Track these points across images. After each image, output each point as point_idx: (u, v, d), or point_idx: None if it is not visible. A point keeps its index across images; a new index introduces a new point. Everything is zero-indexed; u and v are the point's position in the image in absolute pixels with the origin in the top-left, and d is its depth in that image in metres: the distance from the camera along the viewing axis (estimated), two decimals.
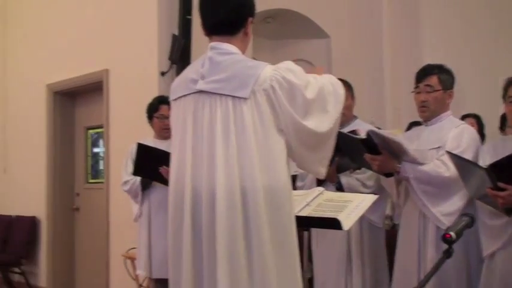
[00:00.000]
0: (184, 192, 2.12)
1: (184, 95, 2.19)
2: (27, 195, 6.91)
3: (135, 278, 4.83)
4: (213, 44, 2.19)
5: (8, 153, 7.33)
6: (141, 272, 4.13)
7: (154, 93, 4.65)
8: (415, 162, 2.94)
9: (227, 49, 2.16)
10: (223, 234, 2.01)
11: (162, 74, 4.98)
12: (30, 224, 6.71)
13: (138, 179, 4.03)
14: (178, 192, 2.16)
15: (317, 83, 2.14)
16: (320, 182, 3.41)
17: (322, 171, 2.27)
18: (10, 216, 7.14)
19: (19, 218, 6.96)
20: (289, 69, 2.10)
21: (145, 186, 4.03)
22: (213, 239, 2.03)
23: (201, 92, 2.13)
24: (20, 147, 7.08)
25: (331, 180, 3.49)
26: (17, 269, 6.72)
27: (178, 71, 4.45)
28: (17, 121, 7.20)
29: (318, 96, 2.12)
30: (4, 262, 6.67)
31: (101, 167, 6.28)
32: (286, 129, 2.09)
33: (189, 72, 2.26)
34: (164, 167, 3.53)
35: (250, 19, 2.22)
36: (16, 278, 6.87)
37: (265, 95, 2.06)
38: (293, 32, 6.41)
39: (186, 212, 2.11)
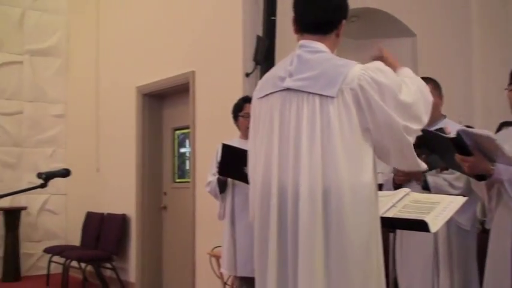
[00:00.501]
0: (270, 191, 2.13)
1: (271, 93, 2.20)
2: (118, 194, 7.20)
3: (220, 276, 4.91)
4: (303, 42, 2.19)
5: (100, 154, 7.66)
6: (225, 271, 4.19)
7: (239, 94, 4.71)
8: (510, 163, 2.79)
9: (317, 47, 2.15)
10: (304, 233, 2.01)
11: (247, 75, 5.05)
12: (121, 221, 6.97)
13: (215, 181, 4.10)
14: (265, 191, 2.16)
15: (412, 87, 2.09)
16: (397, 186, 3.33)
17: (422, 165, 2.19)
18: (102, 214, 7.46)
19: (110, 216, 7.25)
20: (378, 69, 2.07)
21: (222, 189, 4.09)
22: (296, 238, 2.03)
23: (288, 89, 2.14)
24: (112, 149, 7.38)
25: (417, 179, 3.40)
26: (108, 265, 7.00)
27: (263, 72, 4.48)
28: (108, 123, 7.51)
29: (414, 102, 2.07)
30: (97, 258, 6.96)
31: (187, 166, 6.43)
32: (375, 127, 2.05)
33: (277, 69, 2.27)
34: None
35: (343, 21, 2.21)
36: (108, 273, 7.16)
37: (352, 94, 2.04)
38: (378, 31, 6.31)
39: (272, 211, 2.11)
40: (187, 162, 6.42)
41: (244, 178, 3.79)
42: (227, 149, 3.92)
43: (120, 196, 7.11)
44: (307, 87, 2.09)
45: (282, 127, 2.13)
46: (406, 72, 2.25)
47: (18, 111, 8.26)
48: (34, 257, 8.23)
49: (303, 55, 2.15)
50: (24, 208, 8.02)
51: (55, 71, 8.59)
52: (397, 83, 2.06)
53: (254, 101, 2.34)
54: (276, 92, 2.18)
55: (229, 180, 4.06)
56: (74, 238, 8.02)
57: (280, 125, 2.14)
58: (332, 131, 2.03)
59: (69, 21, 8.68)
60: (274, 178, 2.12)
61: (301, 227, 2.02)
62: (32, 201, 8.21)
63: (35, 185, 2.76)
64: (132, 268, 6.84)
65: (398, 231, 3.47)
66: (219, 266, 4.79)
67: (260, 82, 2.34)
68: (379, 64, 2.11)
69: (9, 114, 8.18)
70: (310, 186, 2.02)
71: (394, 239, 3.26)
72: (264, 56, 4.92)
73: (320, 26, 2.18)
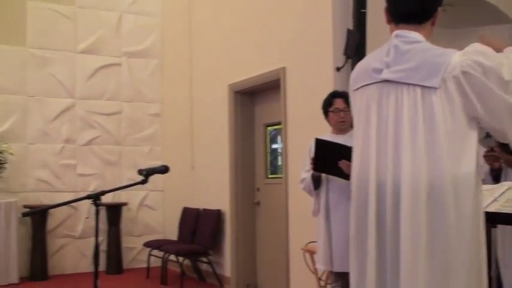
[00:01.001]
0: (368, 185, 2.09)
1: (367, 84, 2.16)
2: (212, 190, 7.36)
3: (314, 272, 4.92)
4: (399, 32, 2.14)
5: (195, 151, 7.87)
6: (320, 266, 4.18)
7: (330, 89, 4.68)
8: None
9: (414, 37, 2.10)
10: (406, 227, 1.96)
11: (337, 69, 5.01)
12: (216, 216, 7.13)
13: (309, 177, 4.09)
14: (362, 185, 2.12)
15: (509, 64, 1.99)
16: (496, 176, 3.18)
17: None
18: (198, 209, 7.67)
19: (206, 211, 7.44)
20: (478, 52, 1.99)
21: (316, 185, 4.08)
22: (397, 232, 1.98)
23: (385, 81, 2.09)
24: (206, 146, 7.57)
25: None
26: (204, 259, 7.19)
27: (353, 66, 4.44)
28: (202, 121, 7.70)
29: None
30: (193, 252, 7.17)
31: (279, 162, 6.48)
32: (487, 112, 1.97)
33: (371, 60, 2.22)
34: (343, 160, 3.53)
35: (439, 9, 2.16)
36: (204, 267, 7.35)
37: (456, 83, 1.97)
38: (472, 19, 6.06)
39: (371, 205, 2.07)
40: (279, 158, 6.47)
41: (339, 173, 3.77)
42: (320, 143, 3.91)
43: (215, 192, 7.27)
44: (407, 78, 2.04)
45: (380, 119, 2.08)
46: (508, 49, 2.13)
47: (118, 111, 8.65)
48: (135, 251, 8.61)
49: (400, 45, 2.10)
50: (125, 204, 8.39)
51: (151, 71, 8.92)
52: (498, 62, 1.98)
53: (350, 92, 2.31)
54: (372, 83, 2.13)
55: (323, 175, 4.05)
56: (171, 233, 8.30)
57: (378, 117, 2.09)
58: (436, 123, 1.97)
59: (163, 23, 8.98)
60: (372, 172, 2.07)
61: (403, 225, 1.97)
62: (132, 197, 8.58)
63: (136, 181, 2.88)
64: (227, 262, 6.98)
65: (499, 227, 3.34)
66: (313, 261, 4.80)
67: (353, 73, 2.29)
68: (477, 46, 2.03)
69: (109, 114, 8.59)
70: (414, 181, 1.96)
71: (496, 234, 3.13)
72: (355, 50, 4.86)
73: (417, 16, 2.12)
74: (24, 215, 3.18)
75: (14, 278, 7.33)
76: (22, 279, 7.50)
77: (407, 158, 1.99)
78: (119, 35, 8.71)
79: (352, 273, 2.20)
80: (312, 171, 4.04)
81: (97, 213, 2.82)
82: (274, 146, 6.72)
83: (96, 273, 2.79)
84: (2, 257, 7.23)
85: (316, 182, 4.07)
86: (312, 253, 4.81)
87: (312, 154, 3.97)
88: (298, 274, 5.57)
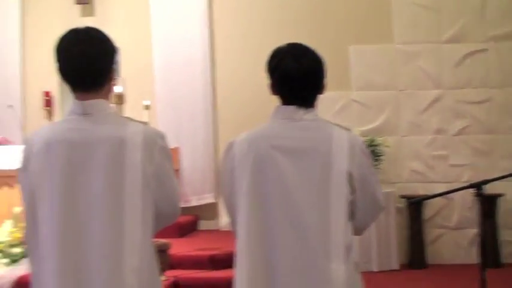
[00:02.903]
0: None
1: None
2: None
3: None
4: None
5: None
6: None
7: None
8: None
9: None
10: None
11: None
12: None
13: None
14: None
15: None
16: None
17: None
18: None
19: None
20: None
21: None
22: None
23: None
24: None
25: None
26: None
27: None
28: None
29: None
30: None
31: None
32: None
33: None
34: None
35: None
36: None
37: None
38: None
39: None
40: None
41: None
42: None
43: None
44: None
45: None
46: None
47: (487, 99, 8.33)
48: None
49: None
50: (502, 195, 8.01)
51: None
52: None
53: None
54: None
55: None
56: None
57: None
58: None
59: None
60: None
61: None
62: (509, 188, 8.12)
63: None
64: None
65: None
66: None
67: None
68: None
69: (478, 103, 8.33)
70: None
71: None
72: None
73: None
74: (410, 204, 3.34)
75: (395, 265, 7.74)
76: (402, 266, 7.84)
77: None
78: (484, 19, 8.38)
79: None
80: None
81: (481, 203, 2.77)
82: None
83: (482, 265, 2.76)
84: (383, 244, 7.69)
85: None
86: None
87: None
88: None
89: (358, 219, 2.47)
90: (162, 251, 4.88)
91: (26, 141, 2.41)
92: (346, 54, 8.46)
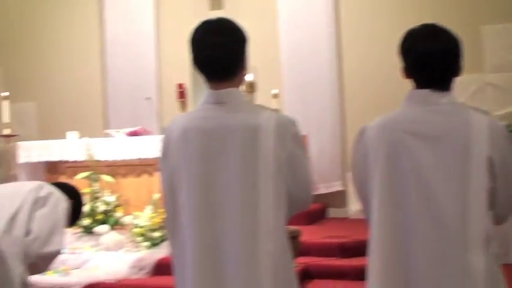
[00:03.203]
0: None
1: None
2: None
3: None
4: None
5: None
6: None
7: None
8: None
9: None
10: None
11: None
12: None
13: None
14: None
15: None
16: None
17: None
18: None
19: None
20: None
21: None
22: None
23: None
24: None
25: None
26: None
27: None
28: None
29: None
30: None
31: None
32: None
33: None
34: None
35: None
36: None
37: None
38: None
39: None
40: None
41: None
42: None
43: None
44: None
45: None
46: None
47: None
48: None
49: None
50: None
51: None
52: None
53: None
54: None
55: None
56: None
57: None
58: None
59: None
60: None
61: None
62: None
63: None
64: None
65: None
66: None
67: None
68: None
69: None
70: None
71: None
72: None
73: None
74: None
75: None
76: None
77: None
78: None
79: None
80: None
81: None
82: None
83: None
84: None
85: None
86: None
87: None
88: None
89: (500, 208, 2.33)
90: (293, 237, 4.93)
91: (165, 130, 2.55)
92: (478, 35, 8.00)
